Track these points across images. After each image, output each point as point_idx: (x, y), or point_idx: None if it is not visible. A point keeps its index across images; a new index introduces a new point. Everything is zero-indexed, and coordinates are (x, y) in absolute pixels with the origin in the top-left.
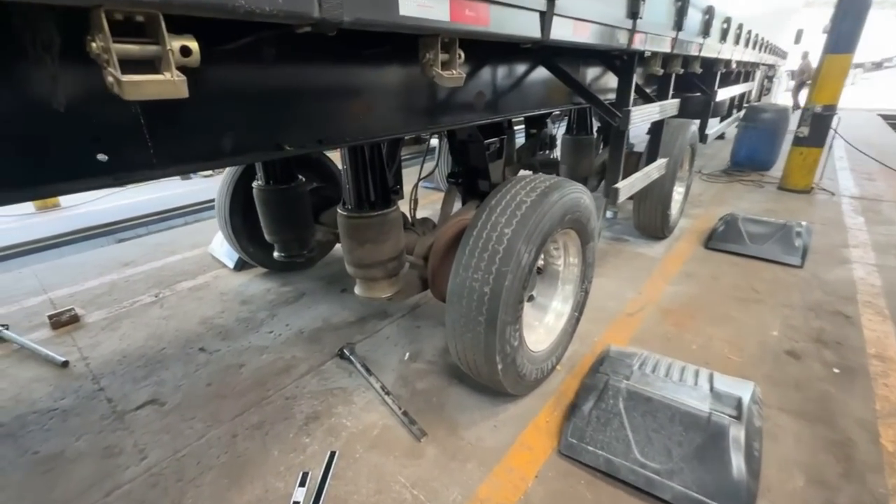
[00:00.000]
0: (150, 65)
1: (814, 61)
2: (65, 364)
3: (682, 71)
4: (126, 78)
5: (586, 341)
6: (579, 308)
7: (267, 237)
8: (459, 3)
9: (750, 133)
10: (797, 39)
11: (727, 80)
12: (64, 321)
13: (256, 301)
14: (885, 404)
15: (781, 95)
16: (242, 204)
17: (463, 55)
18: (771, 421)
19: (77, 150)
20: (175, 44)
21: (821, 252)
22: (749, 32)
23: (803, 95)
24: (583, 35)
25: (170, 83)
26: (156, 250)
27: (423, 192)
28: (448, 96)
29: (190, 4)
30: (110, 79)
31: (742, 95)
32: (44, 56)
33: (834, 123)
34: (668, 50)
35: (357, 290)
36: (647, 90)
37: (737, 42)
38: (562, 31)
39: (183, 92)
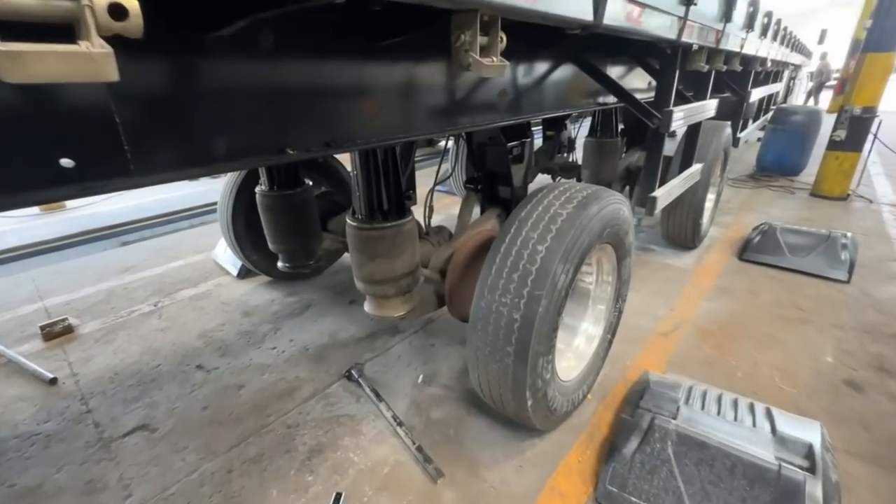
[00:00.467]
0: (67, 32)
1: (832, 62)
2: (53, 381)
3: (724, 68)
4: (6, 47)
5: (617, 365)
6: (612, 330)
7: (270, 246)
8: None
9: (778, 136)
10: (821, 39)
11: (758, 79)
12: (57, 332)
13: (259, 312)
14: None
15: (801, 97)
16: (246, 209)
17: (505, 39)
18: (840, 467)
19: (34, 154)
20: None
21: (867, 266)
22: (785, 29)
23: (824, 98)
24: (636, 22)
25: (82, 58)
26: (158, 255)
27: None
28: (469, 94)
29: None
30: None
31: (770, 97)
32: None
33: (874, 127)
34: (713, 44)
35: (367, 307)
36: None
37: (774, 38)
38: (616, 15)
39: (107, 73)
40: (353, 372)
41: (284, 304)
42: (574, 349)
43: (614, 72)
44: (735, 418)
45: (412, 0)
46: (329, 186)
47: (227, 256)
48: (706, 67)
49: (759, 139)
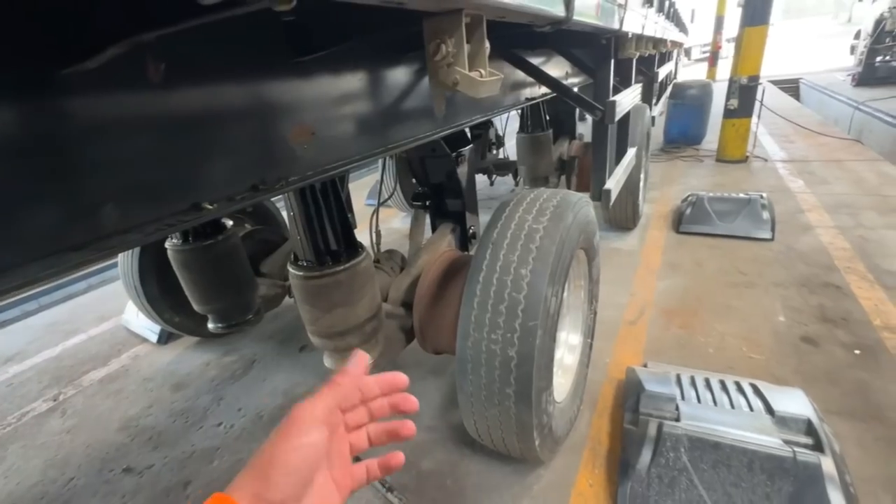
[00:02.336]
0: None
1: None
2: None
3: (646, 53)
4: None
5: (598, 365)
6: (591, 333)
7: (196, 308)
8: None
9: (679, 110)
10: (692, 18)
11: (660, 60)
12: None
13: (194, 383)
14: None
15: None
16: (156, 265)
17: (488, 45)
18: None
19: None
20: None
21: (783, 221)
22: (675, 10)
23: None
24: (595, 14)
25: None
26: (50, 332)
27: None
28: (408, 106)
29: None
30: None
31: (668, 75)
32: None
33: (759, 94)
34: (640, 30)
35: (327, 362)
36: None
37: (670, 19)
38: (583, 7)
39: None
40: None
41: (222, 365)
42: (560, 364)
43: (553, 65)
44: (731, 404)
45: (386, 4)
46: (254, 224)
47: (140, 321)
48: (636, 54)
49: (661, 114)
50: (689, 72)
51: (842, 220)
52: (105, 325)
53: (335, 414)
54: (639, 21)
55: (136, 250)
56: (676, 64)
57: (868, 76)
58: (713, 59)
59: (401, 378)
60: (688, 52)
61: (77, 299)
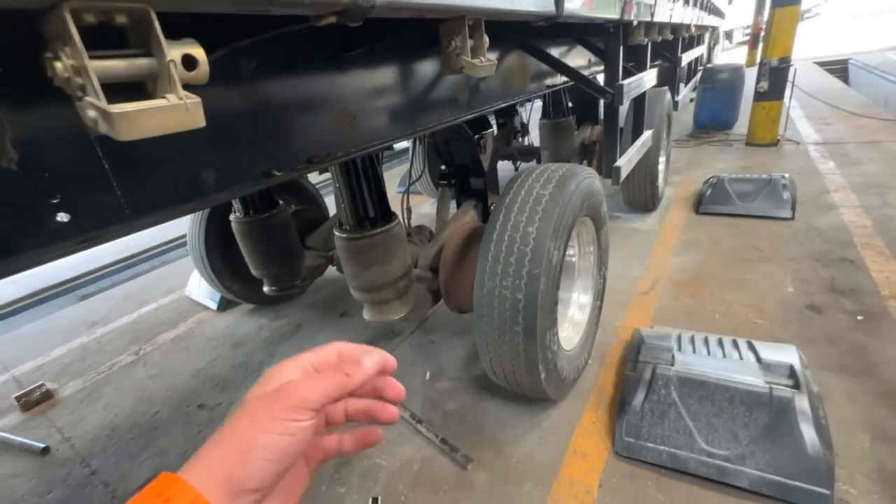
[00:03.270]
0: (140, 88)
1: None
2: (45, 450)
3: (659, 39)
4: (117, 109)
5: (608, 329)
6: (600, 296)
7: (254, 272)
8: None
9: (709, 94)
10: (730, 0)
11: (685, 45)
12: (35, 400)
13: (250, 342)
14: None
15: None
16: (219, 239)
17: (487, 40)
18: (817, 381)
19: (29, 213)
20: (176, 53)
21: (806, 202)
22: None
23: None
24: (589, 7)
25: (180, 109)
26: (126, 302)
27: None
28: (434, 93)
29: None
30: (92, 113)
31: (697, 59)
32: None
33: (790, 76)
34: (649, 18)
35: (366, 314)
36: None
37: (695, 5)
38: (572, 3)
39: (199, 120)
40: None
41: (274, 328)
42: (570, 319)
43: (558, 54)
44: (724, 355)
45: (405, 14)
46: (299, 204)
47: (202, 291)
48: (645, 40)
49: (691, 100)
50: (730, 55)
51: (868, 200)
52: (171, 297)
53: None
54: (645, 10)
55: (203, 227)
56: (710, 48)
57: None
58: (753, 41)
59: (390, 361)
60: (729, 35)
61: (142, 277)
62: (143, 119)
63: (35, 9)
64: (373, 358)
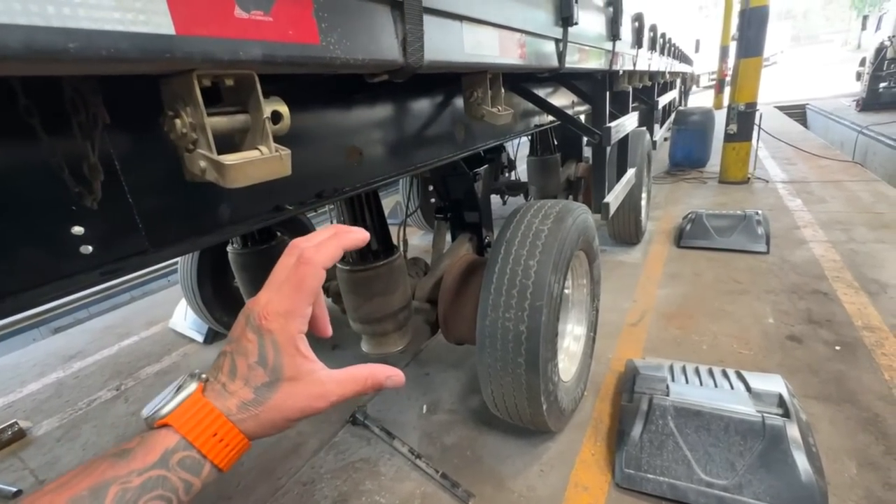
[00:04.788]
0: (230, 140)
1: (695, 68)
2: (17, 494)
3: (640, 85)
4: (229, 160)
5: (602, 360)
6: (593, 328)
7: None
8: (505, 39)
9: (683, 135)
10: (697, 48)
11: (661, 89)
12: (6, 440)
13: None
14: (892, 374)
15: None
16: (211, 271)
17: (504, 92)
18: (804, 409)
19: (54, 245)
20: (268, 109)
21: (778, 236)
22: (674, 45)
23: (692, 101)
24: (584, 61)
25: (275, 161)
26: (105, 335)
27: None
28: (433, 131)
29: (293, 61)
30: (202, 163)
31: (670, 102)
32: (83, 143)
33: (756, 119)
34: (631, 67)
35: (365, 346)
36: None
37: (668, 54)
38: (571, 58)
39: (288, 169)
40: (357, 416)
41: None
42: (566, 351)
43: (544, 94)
44: (715, 385)
45: (442, 70)
46: (294, 235)
47: (188, 323)
48: (628, 87)
49: (665, 139)
50: (698, 98)
51: (834, 235)
52: (154, 329)
53: None
54: (628, 60)
55: (195, 259)
56: (681, 92)
57: (872, 101)
58: (719, 86)
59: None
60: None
61: (123, 309)
62: (248, 169)
63: (161, 74)
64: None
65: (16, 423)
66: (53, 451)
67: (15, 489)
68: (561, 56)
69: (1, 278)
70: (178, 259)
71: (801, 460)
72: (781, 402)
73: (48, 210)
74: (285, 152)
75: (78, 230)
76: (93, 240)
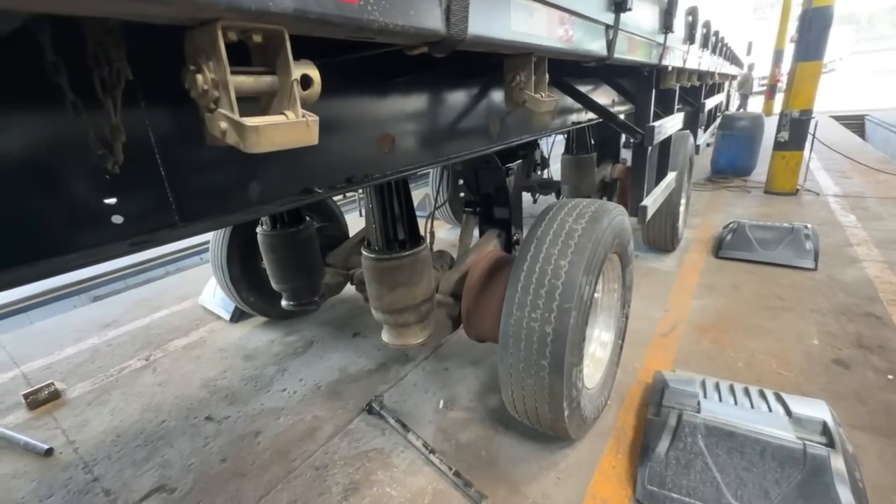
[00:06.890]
0: (256, 103)
1: (754, 72)
2: (48, 452)
3: (689, 84)
4: (252, 122)
5: (628, 369)
6: (622, 335)
7: (275, 286)
8: (553, 19)
9: (728, 140)
10: (749, 51)
11: (707, 91)
12: (42, 399)
13: (261, 355)
14: None
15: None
16: (240, 251)
17: (548, 77)
18: (849, 441)
19: (86, 214)
20: (297, 72)
21: (828, 253)
22: (727, 46)
23: (751, 105)
24: (633, 52)
25: (301, 126)
26: (139, 306)
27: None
28: (466, 123)
29: (328, 19)
30: (223, 124)
31: (716, 106)
32: (104, 99)
33: (811, 127)
34: (681, 64)
35: (386, 337)
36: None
37: (719, 53)
38: (620, 47)
39: (315, 137)
40: (373, 405)
41: (286, 343)
42: (591, 356)
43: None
44: (751, 406)
45: (484, 48)
46: (322, 221)
47: (216, 301)
48: (676, 85)
49: (708, 144)
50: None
51: (892, 256)
52: (185, 304)
53: None
54: (678, 56)
55: (226, 238)
56: (729, 95)
57: None
58: (770, 92)
59: None
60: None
61: (157, 282)
62: (272, 133)
63: (185, 24)
64: None
65: (52, 383)
66: (84, 414)
67: (46, 447)
68: (610, 44)
69: (32, 242)
70: (210, 237)
71: (846, 495)
72: (826, 430)
73: (82, 178)
74: (313, 118)
75: (111, 200)
76: (124, 210)
